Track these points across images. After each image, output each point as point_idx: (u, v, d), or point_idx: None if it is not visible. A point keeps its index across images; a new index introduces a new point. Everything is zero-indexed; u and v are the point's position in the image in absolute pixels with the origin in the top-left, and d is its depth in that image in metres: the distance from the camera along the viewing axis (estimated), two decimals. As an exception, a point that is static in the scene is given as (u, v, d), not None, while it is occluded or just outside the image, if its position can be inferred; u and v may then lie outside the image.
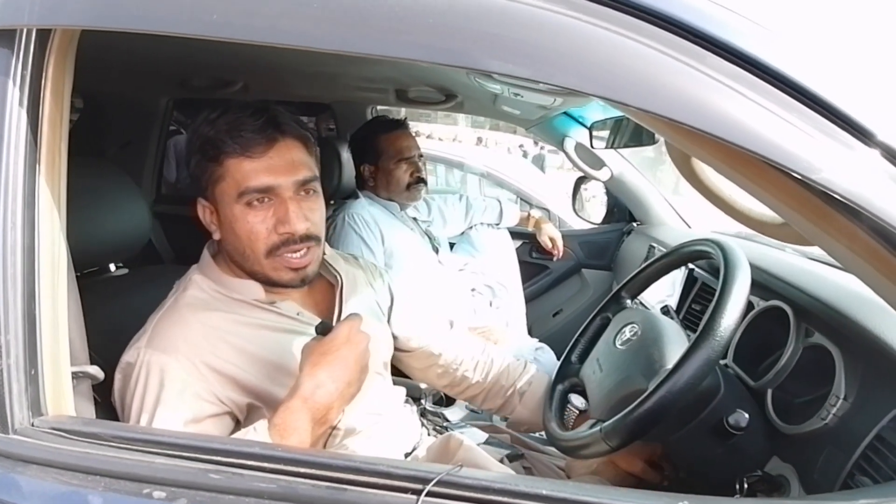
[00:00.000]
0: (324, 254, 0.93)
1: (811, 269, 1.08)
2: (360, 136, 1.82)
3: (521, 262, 2.09)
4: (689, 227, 1.96)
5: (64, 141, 0.66)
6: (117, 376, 0.81)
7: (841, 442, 0.71)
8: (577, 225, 2.36)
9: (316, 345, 0.77)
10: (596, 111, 1.75)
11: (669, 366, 0.77)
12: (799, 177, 0.50)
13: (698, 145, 0.60)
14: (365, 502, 0.52)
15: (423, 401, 1.34)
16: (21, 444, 0.56)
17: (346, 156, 1.76)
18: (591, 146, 1.72)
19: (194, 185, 0.88)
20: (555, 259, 2.19)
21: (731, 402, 0.83)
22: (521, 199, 3.22)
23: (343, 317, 0.91)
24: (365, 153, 1.77)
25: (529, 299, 2.12)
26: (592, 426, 0.83)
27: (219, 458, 0.55)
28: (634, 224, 2.09)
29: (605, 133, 1.64)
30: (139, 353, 0.79)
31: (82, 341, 0.72)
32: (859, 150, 0.50)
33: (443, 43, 0.52)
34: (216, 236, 0.88)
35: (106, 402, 0.83)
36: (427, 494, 0.52)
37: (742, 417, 0.77)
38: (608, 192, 2.11)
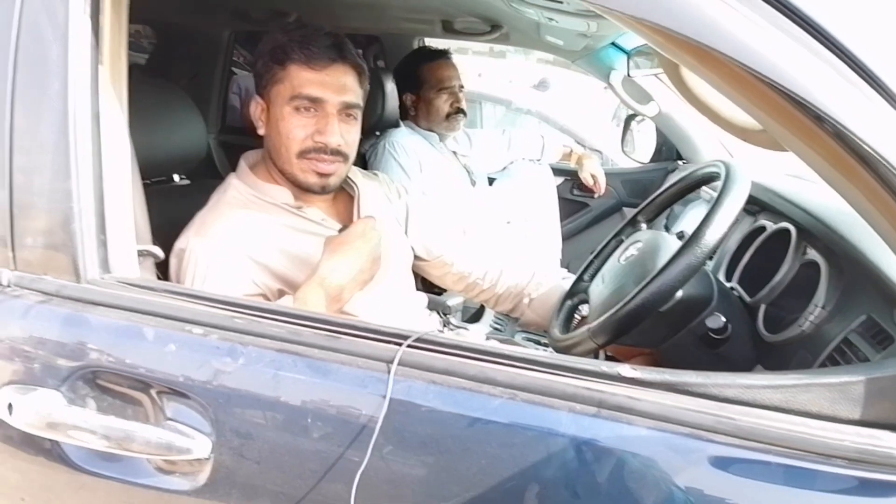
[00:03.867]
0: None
1: (820, 190, 1.06)
2: (404, 66, 1.87)
3: (561, 199, 2.10)
4: (739, 166, 1.90)
5: (124, 49, 0.77)
6: (172, 260, 0.96)
7: (814, 346, 0.75)
8: (626, 165, 2.32)
9: (335, 237, 0.90)
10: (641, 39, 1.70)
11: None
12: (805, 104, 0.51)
13: (685, 52, 0.63)
14: (355, 348, 0.63)
15: (449, 317, 1.44)
16: (92, 292, 0.70)
17: (390, 87, 1.82)
18: (628, 74, 1.68)
19: (255, 83, 1.00)
20: (595, 196, 2.18)
21: (720, 312, 0.87)
22: (576, 141, 3.18)
23: None
24: (407, 82, 1.83)
25: (568, 237, 2.14)
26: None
27: (243, 310, 0.67)
28: (680, 163, 2.04)
29: (646, 59, 1.60)
30: (189, 241, 0.94)
31: (146, 225, 0.86)
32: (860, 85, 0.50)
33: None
34: (261, 132, 1.01)
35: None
36: (408, 347, 0.62)
37: (718, 320, 0.81)
38: (658, 131, 2.06)
